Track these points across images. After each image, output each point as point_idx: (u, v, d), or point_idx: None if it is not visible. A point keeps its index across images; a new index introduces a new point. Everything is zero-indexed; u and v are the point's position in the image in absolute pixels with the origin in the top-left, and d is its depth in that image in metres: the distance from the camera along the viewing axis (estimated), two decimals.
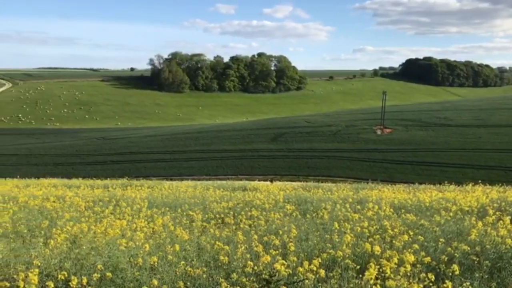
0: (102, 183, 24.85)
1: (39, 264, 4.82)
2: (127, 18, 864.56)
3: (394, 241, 6.67)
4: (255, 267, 5.01)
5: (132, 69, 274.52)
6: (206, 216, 10.41)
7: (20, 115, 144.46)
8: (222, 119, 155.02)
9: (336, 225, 7.04)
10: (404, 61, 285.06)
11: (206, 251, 6.31)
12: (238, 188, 20.16)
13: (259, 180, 36.28)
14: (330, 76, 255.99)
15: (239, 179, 43.05)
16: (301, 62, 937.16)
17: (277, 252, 5.63)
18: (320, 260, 5.10)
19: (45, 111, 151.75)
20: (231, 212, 10.49)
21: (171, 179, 34.03)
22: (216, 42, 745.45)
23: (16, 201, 12.41)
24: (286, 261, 5.17)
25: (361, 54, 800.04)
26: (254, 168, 70.76)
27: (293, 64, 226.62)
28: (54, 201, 12.55)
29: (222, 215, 10.44)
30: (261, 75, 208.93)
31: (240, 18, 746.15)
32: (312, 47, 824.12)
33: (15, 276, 4.45)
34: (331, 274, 5.12)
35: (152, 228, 8.54)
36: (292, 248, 5.69)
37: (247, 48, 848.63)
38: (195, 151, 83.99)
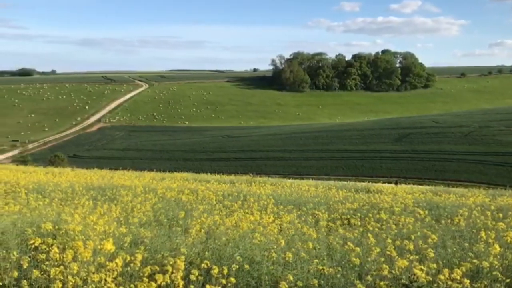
0: (228, 178, 25.98)
1: (185, 252, 5.19)
2: (252, 21, 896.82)
3: None
4: (392, 271, 4.85)
5: (255, 70, 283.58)
6: (332, 216, 10.33)
7: (154, 114, 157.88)
8: (342, 118, 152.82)
9: (483, 233, 6.50)
10: None
11: (336, 251, 6.26)
12: (361, 190, 19.61)
13: (382, 183, 35.03)
14: (461, 73, 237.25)
15: (360, 181, 41.96)
16: (430, 58, 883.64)
17: (414, 257, 5.38)
18: (464, 269, 4.75)
19: (176, 110, 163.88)
20: (358, 214, 10.27)
21: (289, 178, 34.33)
22: (339, 41, 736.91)
23: (155, 193, 13.49)
24: (423, 267, 4.91)
25: (498, 48, 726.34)
26: (375, 170, 68.75)
27: (420, 61, 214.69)
28: (188, 194, 13.42)
29: (348, 216, 10.27)
30: (385, 73, 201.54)
31: (364, 15, 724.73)
32: (442, 43, 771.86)
33: (164, 261, 4.84)
34: (476, 286, 4.75)
35: (279, 224, 8.71)
36: (431, 255, 5.39)
37: (371, 46, 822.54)
38: (314, 150, 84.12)
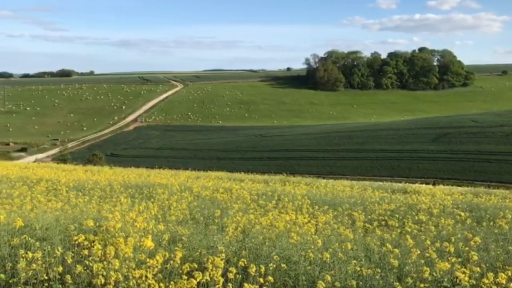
0: (262, 178, 26.02)
1: (223, 250, 5.23)
2: (286, 20, 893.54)
3: None
4: (433, 274, 4.74)
5: (288, 69, 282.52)
6: (368, 217, 10.18)
7: (189, 113, 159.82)
8: (377, 117, 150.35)
9: None
10: None
11: (374, 252, 6.17)
12: (398, 191, 19.26)
13: (419, 183, 34.28)
14: (503, 70, 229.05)
15: (396, 181, 41.19)
16: (469, 56, 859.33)
17: (456, 259, 5.24)
18: (509, 273, 4.59)
19: (210, 110, 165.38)
20: (396, 215, 10.08)
21: (323, 177, 33.98)
22: (374, 39, 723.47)
23: (191, 191, 13.65)
24: (466, 270, 4.78)
25: None
26: (412, 170, 67.37)
27: (459, 59, 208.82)
28: (222, 193, 13.51)
29: (385, 217, 10.09)
30: (421, 71, 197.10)
31: (401, 12, 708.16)
32: (483, 40, 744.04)
33: (202, 259, 4.89)
34: None
35: (315, 224, 8.64)
36: (475, 258, 5.23)
37: (407, 44, 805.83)
38: (349, 150, 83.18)
